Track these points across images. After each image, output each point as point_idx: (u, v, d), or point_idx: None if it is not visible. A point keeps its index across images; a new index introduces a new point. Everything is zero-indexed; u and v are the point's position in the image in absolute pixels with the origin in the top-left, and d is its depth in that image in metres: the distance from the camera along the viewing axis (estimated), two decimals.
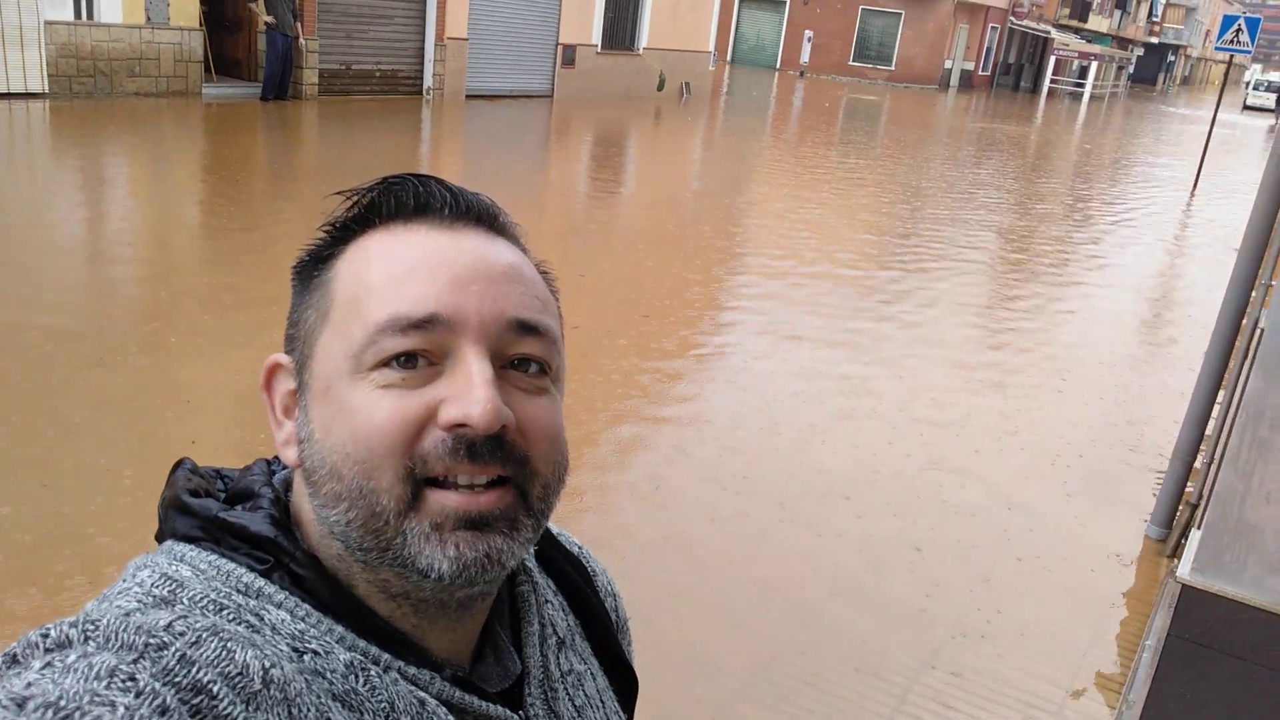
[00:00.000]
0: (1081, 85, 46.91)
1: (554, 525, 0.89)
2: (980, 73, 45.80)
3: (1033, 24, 46.51)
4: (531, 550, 0.83)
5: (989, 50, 46.26)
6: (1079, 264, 10.81)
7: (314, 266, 0.72)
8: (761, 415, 5.46)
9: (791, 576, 3.94)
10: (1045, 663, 3.55)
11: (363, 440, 0.64)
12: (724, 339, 6.83)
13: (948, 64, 41.51)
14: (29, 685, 0.47)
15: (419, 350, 0.64)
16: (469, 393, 0.63)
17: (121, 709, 0.47)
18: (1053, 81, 46.61)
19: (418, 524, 0.64)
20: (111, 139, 11.49)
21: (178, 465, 0.74)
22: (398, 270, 0.66)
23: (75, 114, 12.21)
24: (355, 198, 0.71)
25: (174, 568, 0.64)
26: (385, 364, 0.64)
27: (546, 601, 0.82)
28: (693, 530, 4.22)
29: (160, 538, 0.70)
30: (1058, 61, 47.13)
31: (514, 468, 0.65)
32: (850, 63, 41.33)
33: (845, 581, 3.95)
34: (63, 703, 0.45)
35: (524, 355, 0.68)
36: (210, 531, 0.68)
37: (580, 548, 0.94)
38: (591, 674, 0.84)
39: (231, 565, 0.65)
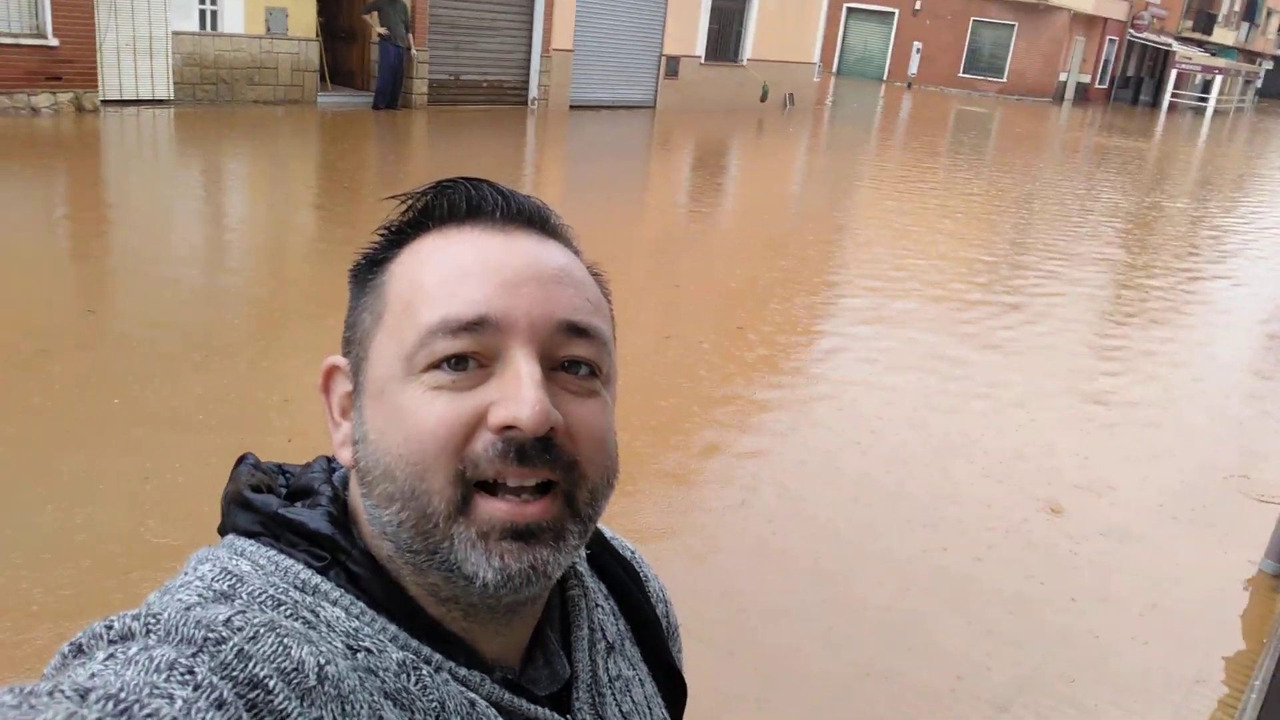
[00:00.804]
0: (1205, 100, 45.09)
1: (607, 529, 0.90)
2: (1097, 86, 44.42)
3: (1153, 36, 44.91)
4: (583, 553, 0.83)
5: (1106, 63, 44.83)
6: (1200, 287, 10.38)
7: (369, 270, 0.73)
8: (854, 434, 5.37)
9: (890, 591, 3.86)
10: (1146, 696, 3.41)
11: (414, 442, 0.64)
12: (819, 355, 6.75)
13: (1063, 76, 40.37)
14: (92, 676, 0.49)
15: (469, 352, 0.65)
16: (518, 394, 0.63)
17: (179, 701, 0.48)
18: (1174, 96, 44.90)
19: (465, 530, 0.64)
20: (231, 144, 11.97)
21: (241, 460, 0.76)
22: (450, 272, 0.67)
23: (198, 120, 12.74)
24: (409, 202, 0.72)
25: (234, 562, 0.66)
26: (436, 366, 0.65)
27: (597, 606, 0.82)
28: (787, 541, 4.17)
29: (222, 531, 0.72)
30: (1179, 75, 45.40)
31: (562, 471, 0.66)
32: (960, 74, 40.51)
33: (947, 599, 3.85)
34: (123, 694, 0.47)
35: (574, 358, 0.68)
36: (270, 527, 0.69)
37: (633, 552, 0.94)
38: (640, 680, 0.83)
39: (290, 561, 0.66)
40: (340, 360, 0.74)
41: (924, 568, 4.10)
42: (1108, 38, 43.52)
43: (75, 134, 11.23)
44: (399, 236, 0.72)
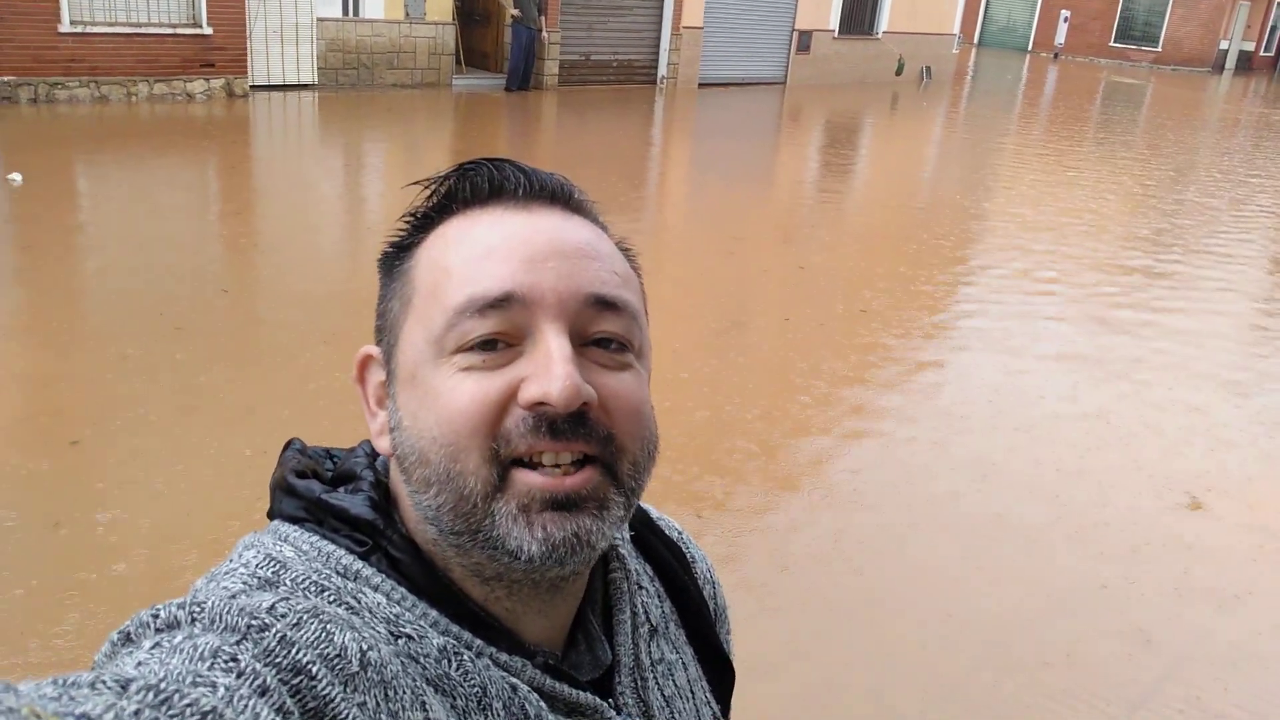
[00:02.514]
0: None
1: (653, 510, 0.89)
2: (1262, 53, 41.63)
3: None
4: (626, 535, 0.83)
5: (1274, 28, 41.93)
6: None
7: (396, 257, 0.73)
8: (977, 427, 5.23)
9: (1011, 592, 3.77)
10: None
11: (446, 423, 0.65)
12: (943, 342, 6.58)
13: (1223, 44, 37.96)
14: (138, 665, 0.50)
15: (497, 333, 0.65)
16: (548, 370, 0.63)
17: (222, 689, 0.49)
18: None
19: (505, 505, 0.64)
20: (370, 127, 12.38)
21: (288, 445, 0.77)
22: (474, 252, 0.67)
23: (340, 103, 13.22)
24: (433, 186, 0.73)
25: (278, 548, 0.67)
26: (466, 348, 0.65)
27: (640, 588, 0.82)
28: (911, 529, 4.11)
29: (270, 516, 0.73)
30: None
31: (599, 445, 0.65)
32: (1111, 44, 38.55)
33: (1074, 606, 3.74)
34: (163, 684, 0.47)
35: (604, 333, 0.68)
36: (313, 513, 0.70)
37: (680, 533, 0.93)
38: (684, 664, 0.83)
39: (332, 547, 0.67)
40: (373, 350, 0.74)
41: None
42: (1276, 2, 40.68)
43: (226, 118, 11.80)
44: (424, 222, 0.73)
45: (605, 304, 0.68)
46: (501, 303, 0.65)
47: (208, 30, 12.45)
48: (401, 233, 0.74)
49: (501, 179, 0.71)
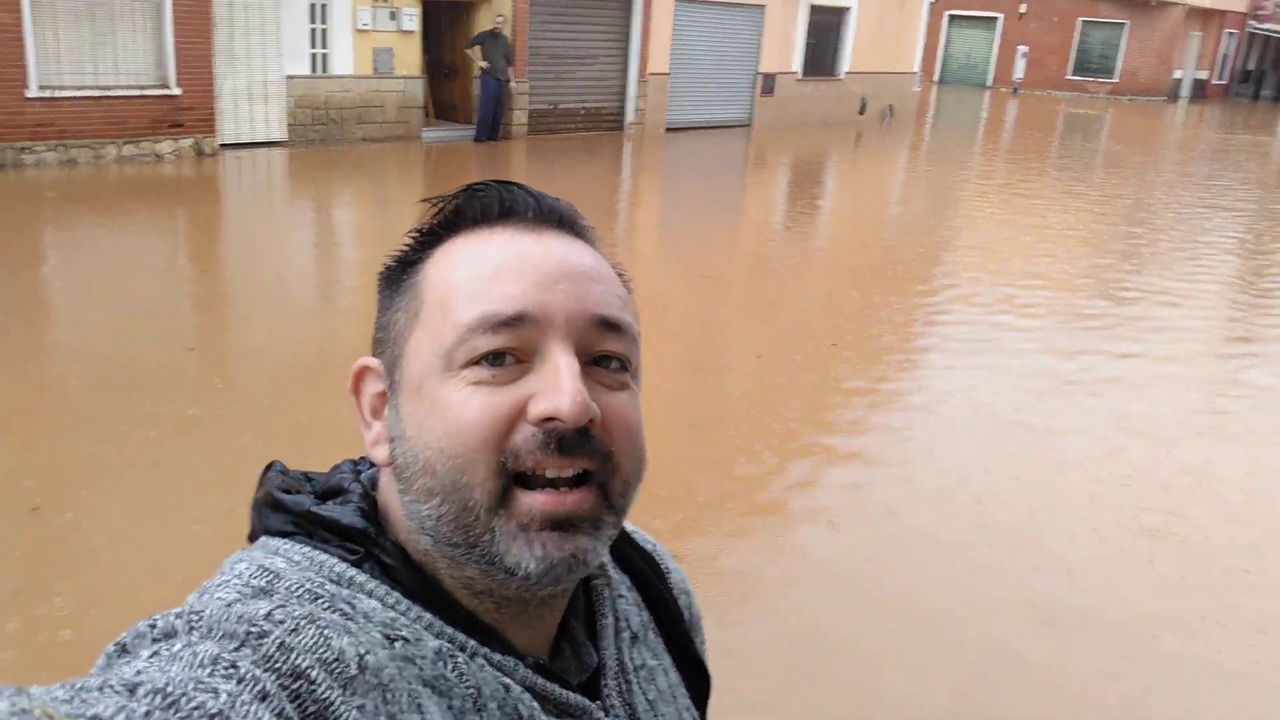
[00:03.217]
0: None
1: (628, 523, 0.91)
2: (1215, 82, 42.59)
3: (1276, 27, 42.86)
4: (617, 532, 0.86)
5: (1225, 57, 42.96)
6: None
7: (401, 271, 0.75)
8: (949, 458, 5.29)
9: (996, 613, 3.80)
10: None
11: (455, 436, 0.66)
12: (913, 374, 6.66)
13: (1177, 74, 38.83)
14: (139, 673, 0.51)
15: (508, 349, 0.67)
16: (558, 386, 0.65)
17: (224, 695, 0.50)
18: None
19: (505, 523, 0.66)
20: (340, 183, 12.46)
21: (269, 467, 0.78)
22: (486, 271, 0.69)
23: (310, 160, 13.29)
24: (442, 204, 0.74)
25: (270, 560, 0.67)
26: (475, 362, 0.67)
27: (620, 596, 0.84)
28: (862, 567, 4.14)
29: (253, 537, 0.73)
30: None
31: (599, 462, 0.67)
32: (1069, 77, 39.33)
33: (1057, 629, 3.77)
34: (169, 689, 0.48)
35: (607, 352, 0.70)
36: (303, 526, 0.71)
37: (654, 544, 0.95)
38: (664, 670, 0.84)
39: (324, 556, 0.68)
40: (372, 361, 0.75)
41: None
42: (1225, 31, 41.70)
43: (195, 178, 11.84)
44: (431, 239, 0.74)
45: (609, 325, 0.70)
46: (514, 321, 0.67)
47: (176, 90, 12.51)
48: (407, 247, 0.75)
49: (511, 201, 0.73)
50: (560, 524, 0.66)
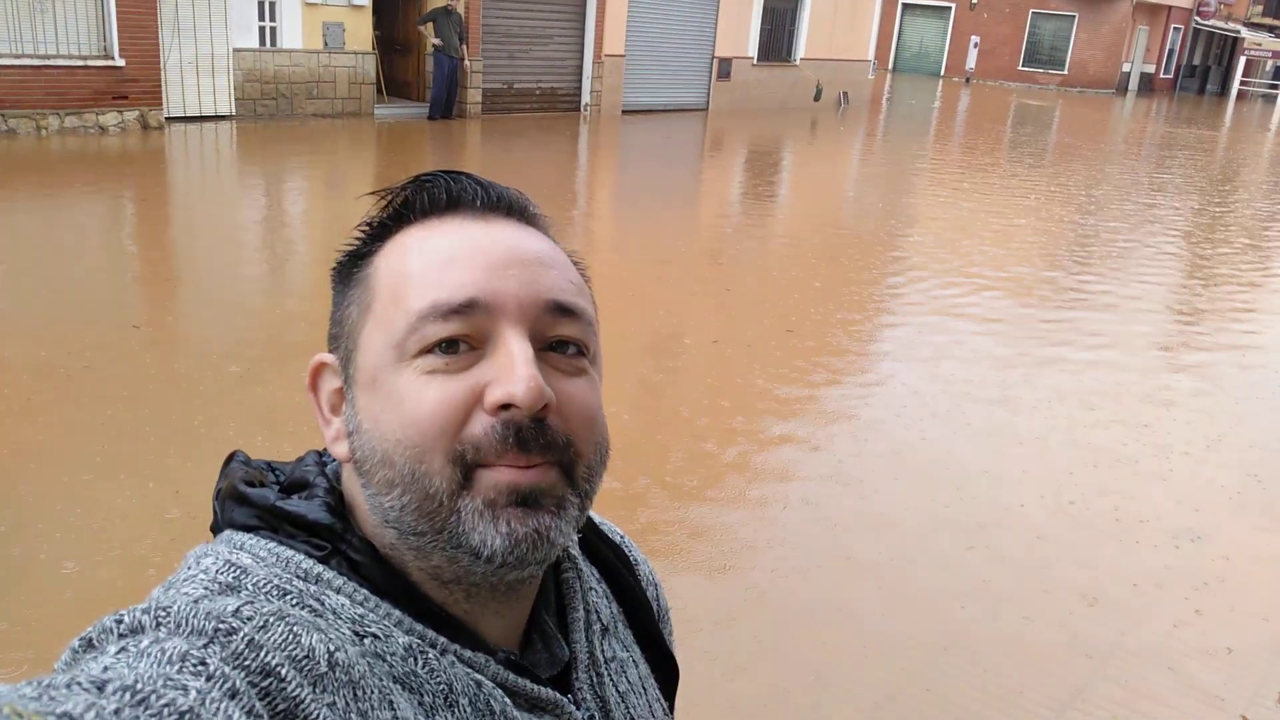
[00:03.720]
0: (1276, 87, 43.80)
1: (596, 515, 0.90)
2: (1162, 75, 43.38)
3: (1220, 23, 43.73)
4: (575, 538, 0.83)
5: (1171, 52, 43.76)
6: (1270, 282, 10.10)
7: (353, 265, 0.74)
8: (905, 434, 5.33)
9: (936, 604, 3.83)
10: (1209, 702, 3.34)
11: (411, 425, 0.65)
12: (868, 358, 6.70)
13: (1125, 67, 39.50)
14: (105, 669, 0.50)
15: (460, 335, 0.66)
16: (511, 372, 0.65)
17: (194, 692, 0.49)
18: (1243, 84, 43.66)
19: (471, 502, 0.65)
20: (290, 158, 12.22)
21: (231, 458, 0.76)
22: (436, 259, 0.68)
23: (258, 135, 13.03)
24: (389, 197, 0.73)
25: (236, 555, 0.66)
26: (428, 350, 0.66)
27: (590, 589, 0.83)
28: (811, 551, 4.15)
29: (216, 529, 0.72)
30: (1248, 62, 44.14)
31: (557, 453, 0.67)
32: (1020, 68, 39.86)
33: (1001, 612, 3.81)
34: (139, 685, 0.47)
35: (562, 337, 0.69)
36: (267, 520, 0.69)
37: (622, 536, 0.95)
38: (634, 661, 0.85)
39: (290, 552, 0.67)
40: (328, 357, 0.74)
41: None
42: (1172, 26, 42.48)
43: (140, 151, 11.55)
44: (380, 231, 0.73)
45: (563, 310, 0.69)
46: (465, 308, 0.66)
47: (120, 62, 12.19)
48: (357, 241, 0.74)
49: (459, 191, 0.72)
50: (524, 498, 0.65)
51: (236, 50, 13.40)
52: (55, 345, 5.45)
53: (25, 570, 3.46)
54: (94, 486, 4.02)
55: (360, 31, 14.76)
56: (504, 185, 0.74)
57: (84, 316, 5.98)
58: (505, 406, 0.64)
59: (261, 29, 13.69)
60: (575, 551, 0.83)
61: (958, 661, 3.47)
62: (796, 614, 3.70)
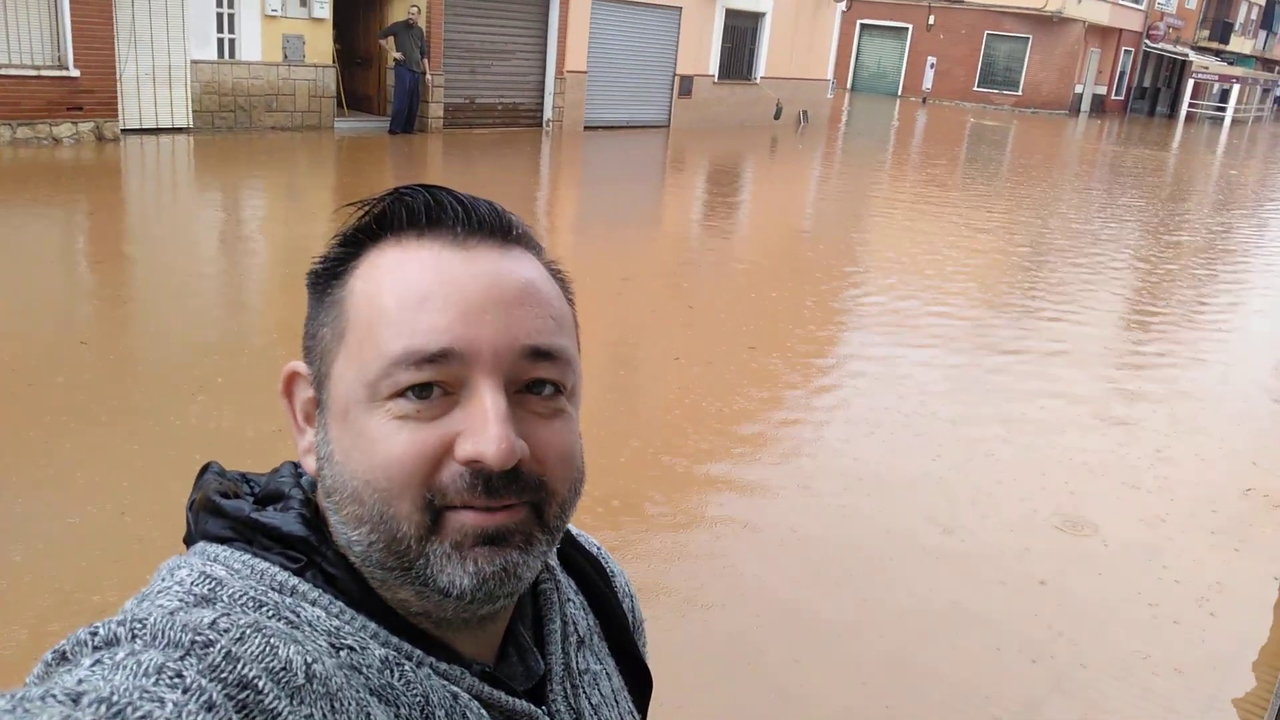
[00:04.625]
0: (1223, 109, 44.88)
1: (573, 526, 0.89)
2: (1113, 97, 44.29)
3: (1169, 46, 44.77)
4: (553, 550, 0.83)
5: (1122, 74, 44.71)
6: (1216, 307, 10.32)
7: (328, 280, 0.71)
8: (864, 448, 5.37)
9: (893, 612, 3.85)
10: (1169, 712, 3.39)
11: (381, 470, 0.65)
12: (830, 375, 6.75)
13: (1078, 88, 40.28)
14: (80, 682, 0.49)
15: (434, 381, 0.65)
16: (483, 430, 0.64)
17: (170, 705, 0.48)
18: (1191, 106, 44.69)
19: (439, 545, 0.65)
20: (249, 171, 12.09)
21: (205, 468, 0.75)
22: (411, 297, 0.66)
23: (217, 147, 12.89)
24: (366, 208, 0.71)
25: (210, 567, 0.65)
26: (401, 394, 0.65)
27: (568, 600, 0.83)
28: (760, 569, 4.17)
29: (189, 541, 0.71)
30: (1196, 85, 45.20)
31: (529, 494, 0.66)
32: (975, 88, 40.49)
33: (957, 623, 3.84)
34: (115, 698, 0.47)
35: (538, 379, 0.68)
36: (242, 532, 0.69)
37: (599, 548, 0.95)
38: (607, 674, 0.85)
39: (265, 564, 0.66)
40: (301, 366, 0.73)
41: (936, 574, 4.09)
42: (1123, 49, 43.42)
43: (95, 163, 11.38)
44: (356, 245, 0.71)
45: (541, 354, 0.68)
46: (439, 357, 0.65)
47: (74, 72, 12.01)
48: (332, 254, 0.72)
49: (439, 209, 0.69)
50: (491, 538, 0.65)
51: (194, 62, 13.26)
52: (1, 360, 5.34)
53: None
54: (37, 505, 3.94)
55: (320, 44, 14.68)
56: (486, 201, 0.72)
57: (30, 331, 5.87)
58: (475, 460, 0.64)
59: (220, 40, 13.57)
60: (553, 562, 0.83)
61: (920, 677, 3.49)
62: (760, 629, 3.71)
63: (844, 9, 25.57)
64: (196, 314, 6.72)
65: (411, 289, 0.66)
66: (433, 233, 0.69)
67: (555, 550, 0.84)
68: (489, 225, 0.70)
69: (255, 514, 0.70)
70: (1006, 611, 3.97)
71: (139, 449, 4.50)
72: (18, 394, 4.95)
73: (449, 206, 0.69)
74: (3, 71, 11.52)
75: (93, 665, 0.51)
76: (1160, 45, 44.44)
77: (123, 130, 12.57)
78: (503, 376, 0.66)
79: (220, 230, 9.44)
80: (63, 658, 0.53)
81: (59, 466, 4.28)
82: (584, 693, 0.79)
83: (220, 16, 13.46)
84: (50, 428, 4.62)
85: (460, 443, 0.64)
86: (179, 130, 13.21)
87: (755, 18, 22.43)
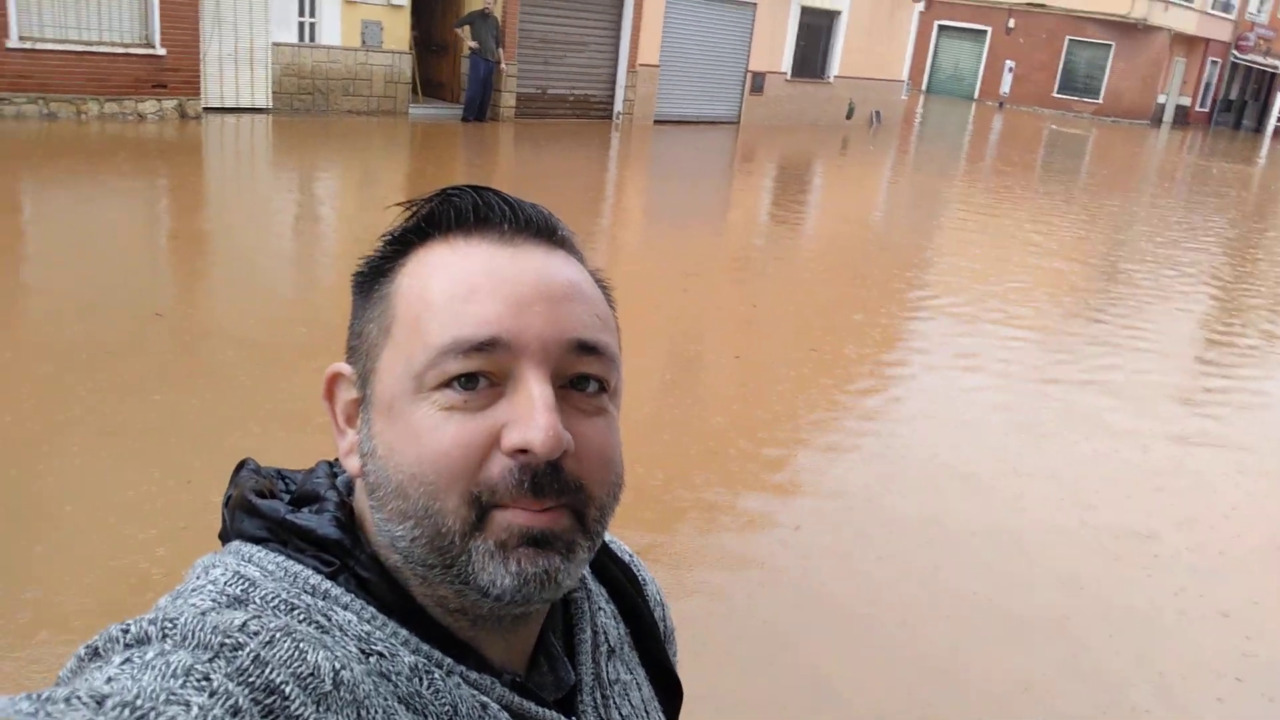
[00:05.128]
0: None
1: (606, 533, 0.90)
2: (1198, 109, 43.12)
3: (1259, 58, 43.44)
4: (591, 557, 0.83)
5: (1208, 85, 43.51)
6: None
7: (374, 278, 0.72)
8: (920, 464, 5.31)
9: (952, 631, 3.81)
10: None
11: (429, 464, 0.65)
12: (890, 382, 6.68)
13: (1161, 99, 39.28)
14: (109, 681, 0.50)
15: (480, 371, 0.65)
16: (531, 418, 0.64)
17: (195, 709, 0.48)
18: None
19: (483, 542, 0.65)
20: (324, 154, 12.32)
21: (241, 466, 0.76)
22: (459, 290, 0.67)
23: (294, 129, 13.14)
24: (414, 209, 0.71)
25: (244, 567, 0.66)
26: (447, 384, 0.65)
27: (599, 609, 0.83)
28: (829, 566, 4.14)
29: (224, 538, 0.71)
30: None
31: (569, 496, 0.66)
32: (1054, 94, 39.69)
33: (1029, 657, 3.79)
34: (139, 702, 0.47)
35: (584, 374, 0.68)
36: (277, 533, 0.69)
37: (631, 555, 0.95)
38: (638, 684, 0.84)
39: (299, 567, 0.67)
40: (345, 368, 0.73)
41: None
42: (1210, 59, 42.24)
43: (177, 140, 11.67)
44: (403, 244, 0.71)
45: (587, 348, 0.68)
46: (487, 346, 0.65)
47: (160, 51, 12.32)
48: (379, 253, 0.72)
49: (486, 209, 0.70)
50: (536, 540, 0.65)
51: (276, 44, 13.52)
52: (80, 329, 5.51)
53: (52, 553, 3.49)
54: (107, 472, 4.06)
55: (398, 31, 14.87)
56: (531, 203, 0.72)
57: (109, 302, 6.03)
58: (522, 450, 0.64)
59: (301, 24, 13.82)
60: (585, 572, 0.83)
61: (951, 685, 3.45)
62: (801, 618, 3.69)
63: (921, 9, 25.25)
64: (269, 291, 6.86)
65: (459, 282, 0.67)
66: (480, 232, 0.69)
67: None
68: (535, 225, 0.71)
69: (290, 515, 0.70)
70: (1070, 615, 3.90)
71: (207, 420, 4.61)
72: (97, 362, 5.09)
73: (496, 207, 0.70)
74: (93, 49, 11.86)
75: (122, 664, 0.51)
76: (1249, 56, 43.14)
77: (204, 109, 12.88)
78: (549, 368, 0.66)
79: (295, 210, 9.62)
80: (95, 653, 0.54)
81: (129, 429, 4.40)
82: (614, 703, 0.79)
83: (302, 1, 13.70)
84: (124, 393, 4.76)
85: (507, 432, 0.64)
86: (258, 110, 13.48)
87: (831, 16, 22.23)
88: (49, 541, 3.54)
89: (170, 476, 4.05)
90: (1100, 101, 38.96)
